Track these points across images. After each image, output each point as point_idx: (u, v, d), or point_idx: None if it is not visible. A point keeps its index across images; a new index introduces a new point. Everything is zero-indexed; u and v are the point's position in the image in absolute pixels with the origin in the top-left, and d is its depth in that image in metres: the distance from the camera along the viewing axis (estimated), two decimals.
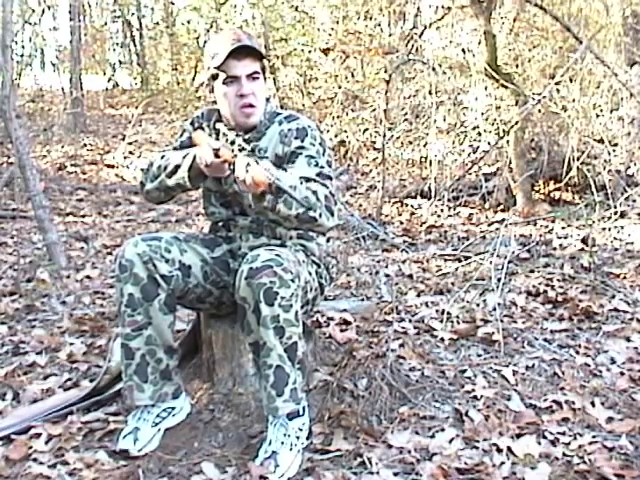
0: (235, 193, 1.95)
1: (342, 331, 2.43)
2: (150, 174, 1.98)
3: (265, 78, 1.91)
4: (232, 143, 1.76)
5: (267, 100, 1.96)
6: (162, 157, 1.97)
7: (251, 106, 1.87)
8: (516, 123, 4.68)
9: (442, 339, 2.49)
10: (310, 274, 1.92)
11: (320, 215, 1.73)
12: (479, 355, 2.39)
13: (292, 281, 1.70)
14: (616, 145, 4.76)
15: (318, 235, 2.03)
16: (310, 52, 7.23)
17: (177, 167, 1.88)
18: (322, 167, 1.85)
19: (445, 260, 3.60)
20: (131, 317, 1.83)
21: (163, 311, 1.85)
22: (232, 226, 2.00)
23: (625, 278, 3.17)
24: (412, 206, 5.03)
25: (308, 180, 1.78)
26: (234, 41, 1.82)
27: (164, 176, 1.92)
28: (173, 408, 1.94)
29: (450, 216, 4.72)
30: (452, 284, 3.13)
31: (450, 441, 1.83)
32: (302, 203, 1.66)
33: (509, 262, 3.12)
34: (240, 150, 1.71)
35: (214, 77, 1.88)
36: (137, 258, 1.82)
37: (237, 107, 1.87)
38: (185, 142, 2.03)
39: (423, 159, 5.56)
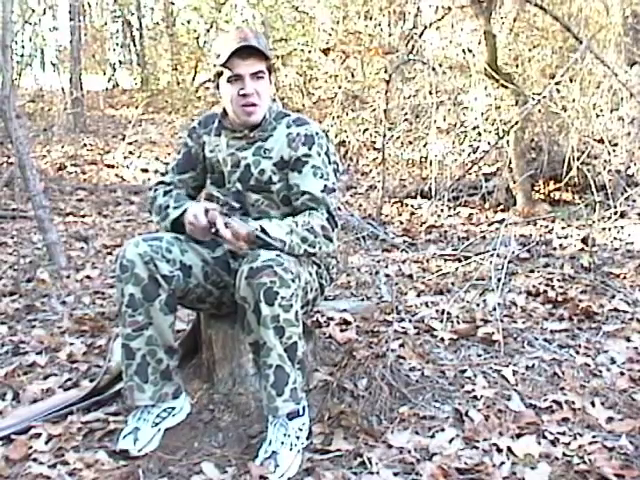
0: (238, 192, 1.96)
1: (342, 331, 2.43)
2: (155, 207, 2.04)
3: (271, 78, 1.93)
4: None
5: (274, 100, 1.98)
6: (165, 193, 2.02)
7: (253, 105, 1.88)
8: (516, 123, 4.68)
9: (442, 339, 2.49)
10: (310, 274, 1.93)
11: (320, 248, 1.83)
12: (479, 355, 2.39)
13: (292, 281, 1.70)
14: (616, 145, 4.76)
15: None
16: (310, 52, 7.22)
17: (174, 221, 1.95)
18: (327, 179, 1.90)
19: (445, 260, 3.60)
20: (132, 317, 1.83)
21: (164, 311, 1.86)
22: None
23: (625, 278, 3.17)
24: (412, 206, 5.03)
25: (312, 199, 1.85)
26: (240, 40, 1.83)
27: (163, 222, 1.99)
28: (173, 408, 1.94)
29: (450, 216, 4.73)
30: (452, 284, 3.13)
31: (450, 441, 1.83)
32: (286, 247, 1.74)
33: (509, 262, 3.12)
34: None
35: (219, 75, 1.90)
36: (138, 258, 1.82)
37: (239, 105, 1.89)
38: (181, 162, 2.07)
39: (423, 159, 5.56)
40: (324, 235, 1.83)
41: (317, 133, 1.93)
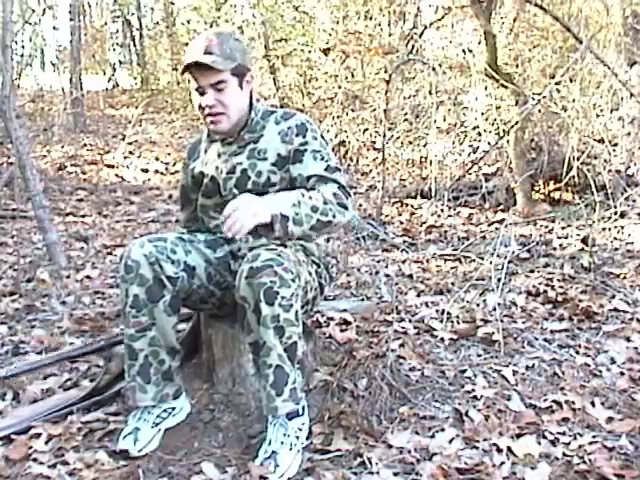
0: (235, 198, 1.95)
1: (342, 331, 2.43)
2: None
3: (243, 82, 1.87)
4: None
5: (258, 100, 1.97)
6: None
7: (217, 114, 1.86)
8: (516, 123, 4.68)
9: (442, 339, 2.49)
10: (310, 274, 1.92)
11: (334, 215, 1.74)
12: (479, 355, 2.39)
13: (292, 281, 1.70)
14: (616, 145, 4.77)
15: None
16: (310, 52, 7.22)
17: None
18: (328, 160, 1.87)
19: (445, 260, 3.60)
20: (135, 318, 1.83)
21: (167, 312, 1.85)
22: None
23: (625, 278, 3.17)
24: (412, 206, 5.03)
25: (318, 179, 1.81)
26: (201, 50, 1.81)
27: None
28: (173, 408, 1.94)
29: (450, 216, 4.72)
30: (452, 284, 3.13)
31: (450, 441, 1.83)
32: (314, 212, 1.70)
33: (509, 262, 3.12)
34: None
35: (190, 82, 1.90)
36: (144, 259, 1.82)
37: (203, 116, 1.89)
38: (181, 200, 2.17)
39: (423, 159, 5.57)
40: (338, 203, 1.76)
41: (307, 120, 1.93)
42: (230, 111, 1.87)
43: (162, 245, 1.86)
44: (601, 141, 4.54)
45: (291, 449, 1.74)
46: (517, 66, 5.51)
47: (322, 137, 1.92)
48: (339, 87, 6.37)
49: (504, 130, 4.84)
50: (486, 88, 5.06)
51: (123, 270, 1.83)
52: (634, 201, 4.10)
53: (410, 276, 3.34)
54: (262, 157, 1.92)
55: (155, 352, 1.87)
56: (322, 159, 1.86)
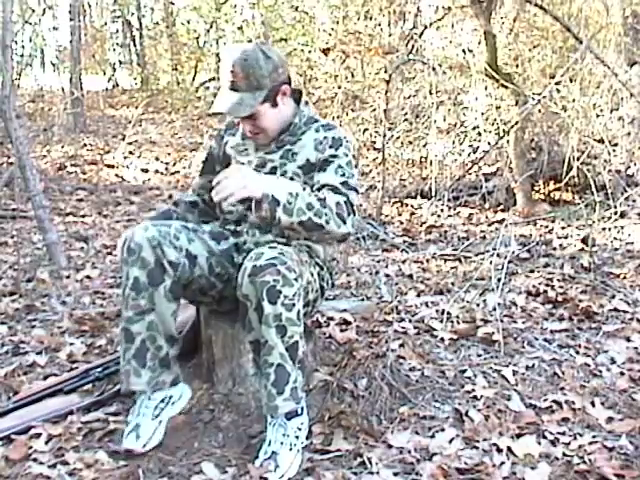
0: None
1: (342, 331, 2.43)
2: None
3: (275, 102, 1.88)
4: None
5: (306, 103, 2.00)
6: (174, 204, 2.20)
7: (254, 134, 1.94)
8: (516, 123, 4.68)
9: (442, 339, 2.49)
10: (312, 275, 1.92)
11: (327, 222, 1.73)
12: (479, 355, 2.39)
13: (295, 280, 1.70)
14: (616, 145, 4.77)
15: None
16: (310, 52, 7.22)
17: None
18: (349, 177, 1.87)
19: (445, 260, 3.60)
20: (135, 300, 1.82)
21: (167, 298, 1.84)
22: (242, 221, 2.00)
23: (625, 278, 3.17)
24: (412, 206, 5.03)
25: (331, 188, 1.82)
26: (224, 87, 1.85)
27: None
28: (172, 396, 1.91)
29: (450, 216, 4.72)
30: (452, 284, 3.13)
31: (450, 441, 1.83)
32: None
33: (509, 262, 3.12)
34: None
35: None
36: (146, 242, 1.81)
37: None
38: (204, 165, 2.16)
39: (423, 159, 5.56)
40: (337, 213, 1.75)
41: (345, 137, 1.94)
42: (268, 130, 1.93)
43: (165, 230, 1.86)
44: (601, 141, 4.54)
45: (291, 449, 1.74)
46: (517, 66, 5.51)
47: (354, 157, 1.94)
48: (339, 87, 6.36)
49: (504, 130, 4.84)
50: (486, 88, 5.06)
51: (125, 252, 1.82)
52: (634, 201, 4.10)
53: (410, 276, 3.34)
54: (292, 159, 1.94)
55: (152, 337, 1.84)
56: (343, 175, 1.87)
